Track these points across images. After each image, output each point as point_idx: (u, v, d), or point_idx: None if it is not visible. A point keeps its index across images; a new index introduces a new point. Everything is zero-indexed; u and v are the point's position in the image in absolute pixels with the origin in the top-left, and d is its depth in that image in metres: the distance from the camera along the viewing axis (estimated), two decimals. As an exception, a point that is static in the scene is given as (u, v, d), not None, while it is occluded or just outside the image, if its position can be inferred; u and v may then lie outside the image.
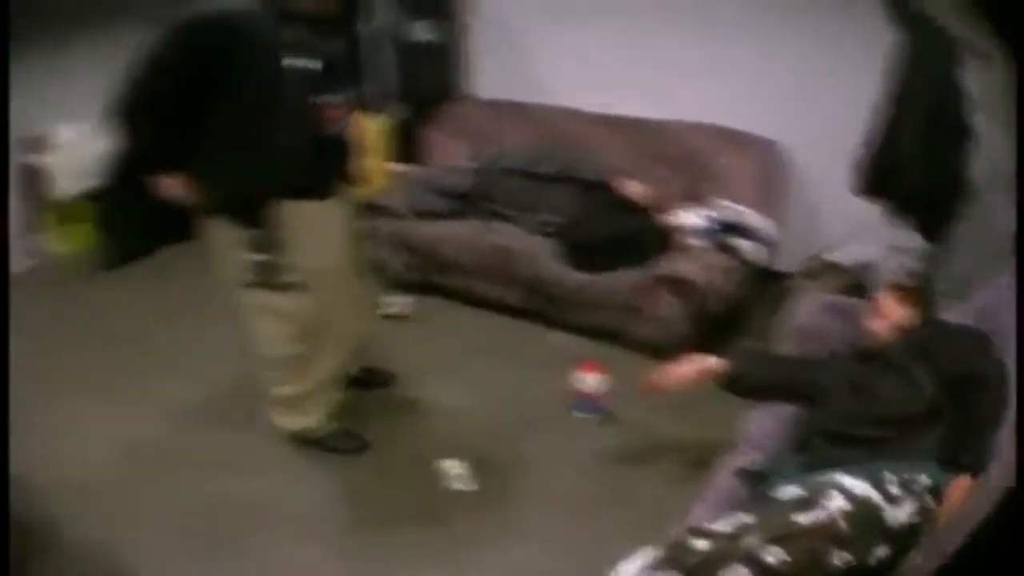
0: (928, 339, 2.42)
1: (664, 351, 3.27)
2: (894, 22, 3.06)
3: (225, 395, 3.50)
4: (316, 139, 2.57)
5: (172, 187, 2.66)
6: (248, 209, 2.57)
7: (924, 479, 1.96)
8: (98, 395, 3.53)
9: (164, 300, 4.40)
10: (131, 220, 4.48)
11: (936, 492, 1.96)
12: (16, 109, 3.89)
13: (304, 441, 3.11)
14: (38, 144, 4.49)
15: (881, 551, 1.85)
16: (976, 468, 1.91)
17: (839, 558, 1.79)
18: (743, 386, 2.61)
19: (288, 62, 2.41)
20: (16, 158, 4.53)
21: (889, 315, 2.64)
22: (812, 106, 3.99)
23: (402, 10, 4.61)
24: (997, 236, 3.82)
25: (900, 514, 1.88)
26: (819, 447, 2.22)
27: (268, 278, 2.62)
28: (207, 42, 2.37)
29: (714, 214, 3.81)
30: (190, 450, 3.18)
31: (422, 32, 4.70)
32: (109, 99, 2.48)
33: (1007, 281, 2.61)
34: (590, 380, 3.31)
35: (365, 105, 3.03)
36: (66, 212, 4.63)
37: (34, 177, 4.51)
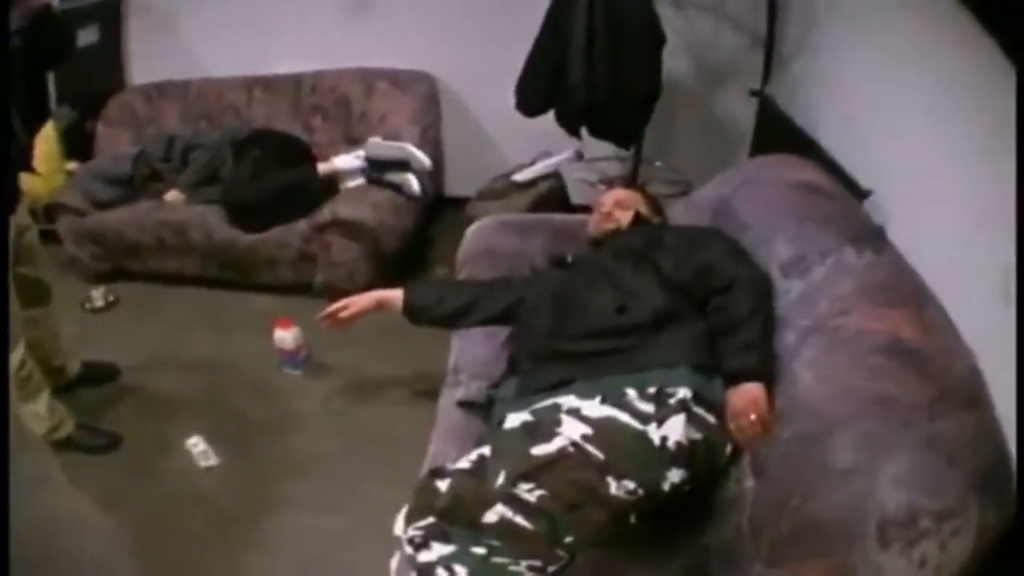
0: (646, 242, 2.32)
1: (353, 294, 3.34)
2: None
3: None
4: None
5: None
6: None
7: (683, 391, 1.81)
8: None
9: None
10: None
11: (705, 402, 1.83)
12: None
13: (59, 445, 3.03)
14: None
15: (673, 475, 1.74)
16: (757, 373, 1.81)
17: (619, 487, 1.69)
18: (423, 315, 2.54)
19: None
20: None
21: (605, 216, 2.62)
22: (467, 38, 4.17)
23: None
24: (714, 128, 4.10)
25: (670, 432, 1.74)
26: (530, 369, 2.09)
27: None
28: None
29: (370, 153, 3.93)
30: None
31: (85, 37, 4.59)
32: None
33: (735, 171, 2.68)
34: (287, 336, 3.35)
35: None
36: None
37: None
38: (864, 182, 2.43)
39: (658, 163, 4.00)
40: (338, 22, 4.35)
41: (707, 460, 1.80)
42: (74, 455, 3.03)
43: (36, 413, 2.95)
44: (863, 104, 2.63)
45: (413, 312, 2.54)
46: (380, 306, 2.62)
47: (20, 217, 2.81)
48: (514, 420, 1.87)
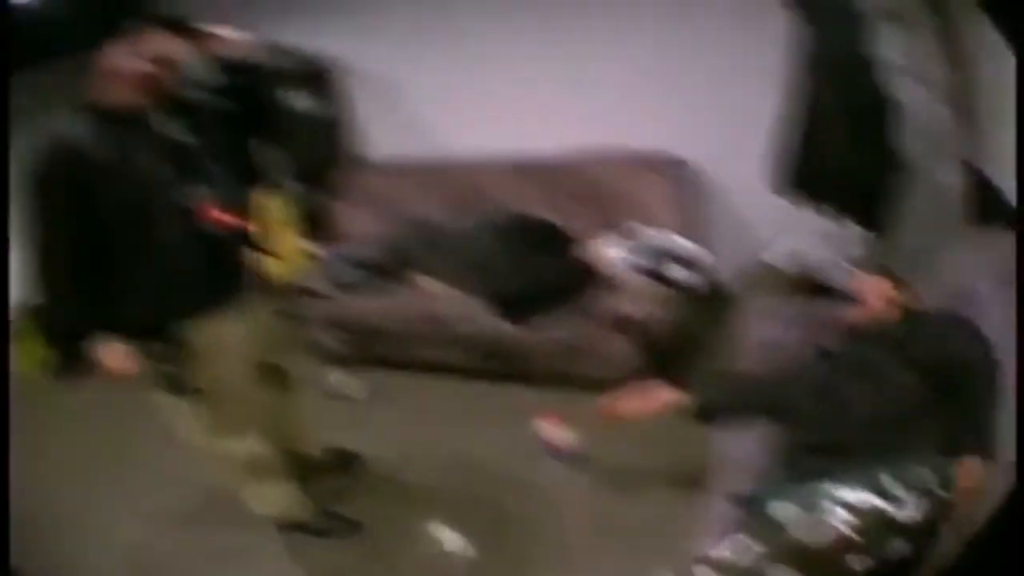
0: (903, 331, 2.38)
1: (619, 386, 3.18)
2: (788, 3, 3.00)
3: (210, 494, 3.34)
4: (208, 244, 2.41)
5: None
6: (147, 332, 2.42)
7: (931, 477, 1.94)
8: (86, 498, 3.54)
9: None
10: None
11: (944, 483, 1.94)
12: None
13: (291, 528, 3.03)
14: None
15: (899, 545, 1.87)
16: (980, 449, 1.93)
17: (858, 563, 1.84)
18: (712, 415, 2.56)
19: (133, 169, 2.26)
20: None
21: (865, 307, 2.62)
22: (713, 115, 4.00)
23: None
24: (946, 206, 3.93)
25: (913, 512, 1.88)
26: (800, 461, 2.17)
27: (171, 386, 2.50)
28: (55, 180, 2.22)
29: (636, 243, 3.77)
30: (186, 553, 3.10)
31: (301, 101, 4.48)
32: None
33: (977, 256, 2.63)
34: (555, 432, 3.25)
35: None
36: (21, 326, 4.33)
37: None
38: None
39: (896, 241, 3.85)
40: (582, 100, 4.23)
41: (932, 534, 1.90)
42: (306, 537, 3.04)
43: (268, 496, 2.94)
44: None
45: (700, 412, 2.56)
46: (663, 408, 2.60)
47: (263, 307, 2.75)
48: (784, 510, 1.97)
